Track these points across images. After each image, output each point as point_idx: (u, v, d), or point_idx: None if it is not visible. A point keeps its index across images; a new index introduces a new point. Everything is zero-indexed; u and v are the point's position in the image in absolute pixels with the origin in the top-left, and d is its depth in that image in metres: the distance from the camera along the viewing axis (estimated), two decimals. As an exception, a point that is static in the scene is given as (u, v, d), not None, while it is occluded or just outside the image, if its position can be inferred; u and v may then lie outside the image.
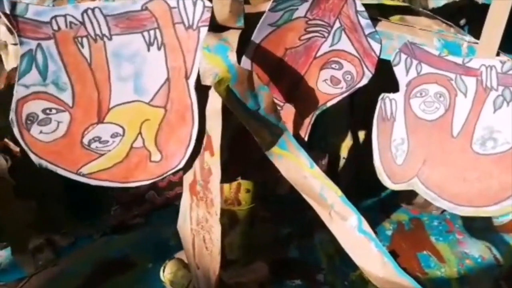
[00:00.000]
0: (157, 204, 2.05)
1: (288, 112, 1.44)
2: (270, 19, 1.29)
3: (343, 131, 2.03)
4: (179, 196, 1.36)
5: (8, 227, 1.65)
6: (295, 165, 1.28)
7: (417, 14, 1.37)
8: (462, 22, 1.73)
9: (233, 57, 1.19)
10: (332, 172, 1.97)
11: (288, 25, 1.32)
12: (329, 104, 1.43)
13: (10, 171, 1.59)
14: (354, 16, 1.31)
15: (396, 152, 1.34)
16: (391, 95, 1.35)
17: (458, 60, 1.27)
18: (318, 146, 2.01)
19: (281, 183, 1.82)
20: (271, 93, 1.24)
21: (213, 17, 1.20)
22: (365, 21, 1.31)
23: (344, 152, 2.03)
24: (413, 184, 1.30)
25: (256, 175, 1.53)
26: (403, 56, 1.31)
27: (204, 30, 1.20)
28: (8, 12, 1.14)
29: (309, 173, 1.27)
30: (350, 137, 2.03)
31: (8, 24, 1.17)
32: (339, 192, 1.25)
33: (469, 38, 1.30)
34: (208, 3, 1.19)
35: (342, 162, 2.04)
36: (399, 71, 1.33)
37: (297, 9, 1.30)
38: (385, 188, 1.43)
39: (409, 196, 2.02)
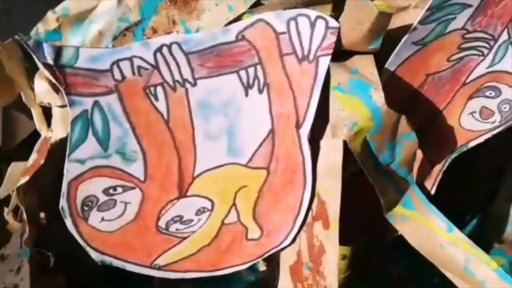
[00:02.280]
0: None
1: (414, 158, 1.10)
2: (417, 35, 0.93)
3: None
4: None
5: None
6: (426, 229, 0.93)
7: None
8: None
9: (379, 97, 0.85)
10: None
11: (437, 42, 0.96)
12: (471, 144, 1.04)
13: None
14: None
15: None
16: None
17: None
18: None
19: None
20: (416, 142, 0.91)
21: (337, 41, 0.85)
22: None
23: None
24: None
25: (357, 238, 1.21)
26: None
27: (324, 61, 0.85)
28: (51, 62, 0.81)
29: (447, 240, 0.92)
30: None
31: (51, 78, 0.82)
32: (494, 265, 0.92)
33: None
34: (333, 23, 0.85)
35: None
36: None
37: (454, 18, 0.94)
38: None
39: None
